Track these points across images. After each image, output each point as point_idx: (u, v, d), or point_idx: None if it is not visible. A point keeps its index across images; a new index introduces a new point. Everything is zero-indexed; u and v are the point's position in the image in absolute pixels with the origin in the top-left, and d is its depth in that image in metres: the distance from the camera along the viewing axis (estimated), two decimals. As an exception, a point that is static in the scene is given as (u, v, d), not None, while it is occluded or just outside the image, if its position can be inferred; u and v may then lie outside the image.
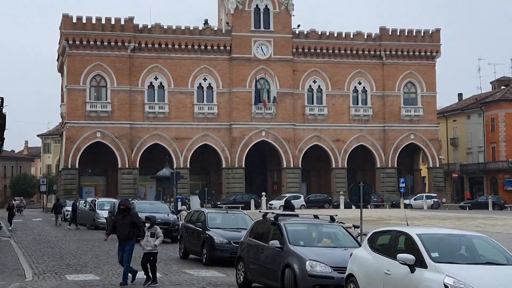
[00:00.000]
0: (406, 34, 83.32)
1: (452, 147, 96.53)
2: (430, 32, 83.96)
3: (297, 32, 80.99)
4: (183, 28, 78.37)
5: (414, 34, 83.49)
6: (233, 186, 77.78)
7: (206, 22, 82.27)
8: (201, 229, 24.10)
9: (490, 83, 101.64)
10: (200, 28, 79.22)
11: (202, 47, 78.23)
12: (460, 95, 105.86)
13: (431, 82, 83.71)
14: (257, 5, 79.89)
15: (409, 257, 12.03)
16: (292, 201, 70.35)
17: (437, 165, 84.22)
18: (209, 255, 23.08)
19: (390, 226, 16.76)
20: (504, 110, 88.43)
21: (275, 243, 16.31)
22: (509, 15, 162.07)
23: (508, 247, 14.89)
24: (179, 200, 52.70)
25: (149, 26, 77.53)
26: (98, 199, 50.48)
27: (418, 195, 78.33)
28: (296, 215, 20.24)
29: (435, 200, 76.34)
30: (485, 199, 77.84)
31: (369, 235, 14.49)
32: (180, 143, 77.12)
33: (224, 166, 78.50)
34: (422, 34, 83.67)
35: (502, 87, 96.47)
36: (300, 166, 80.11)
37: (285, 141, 79.23)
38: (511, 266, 11.88)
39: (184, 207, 48.27)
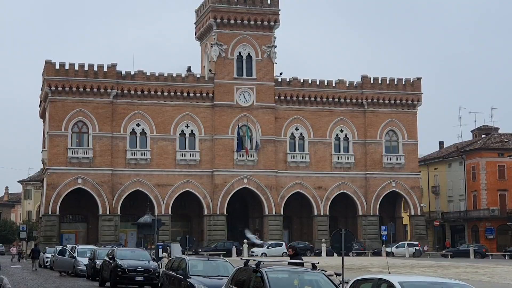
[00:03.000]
0: (388, 82, 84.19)
1: (433, 195, 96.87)
2: (411, 81, 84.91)
3: (279, 80, 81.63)
4: (166, 75, 78.77)
5: (396, 82, 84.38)
6: (214, 233, 77.37)
7: (189, 69, 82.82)
8: (182, 277, 23.87)
9: (471, 131, 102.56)
10: (183, 75, 79.66)
11: (185, 94, 78.55)
12: (441, 143, 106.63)
13: (413, 130, 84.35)
14: (239, 53, 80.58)
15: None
16: (274, 248, 71.07)
17: (419, 213, 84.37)
18: (189, 303, 22.81)
19: (372, 274, 16.73)
20: (485, 158, 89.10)
21: (257, 291, 16.16)
22: (488, 65, 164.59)
23: (489, 295, 14.88)
24: (160, 247, 52.26)
25: (131, 73, 77.83)
26: (78, 246, 50.02)
27: (400, 243, 78.25)
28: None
29: (417, 248, 76.28)
30: (467, 247, 77.87)
31: (351, 282, 14.45)
32: (161, 190, 76.84)
33: (206, 213, 78.17)
34: (404, 83, 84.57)
35: (483, 135, 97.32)
36: (282, 213, 79.94)
37: (267, 188, 79.18)
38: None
39: (165, 254, 47.88)
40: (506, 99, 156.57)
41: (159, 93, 77.83)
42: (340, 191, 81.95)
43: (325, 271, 20.13)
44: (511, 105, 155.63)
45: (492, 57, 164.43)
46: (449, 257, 73.92)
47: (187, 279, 23.33)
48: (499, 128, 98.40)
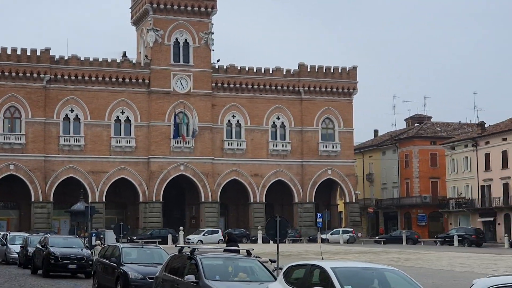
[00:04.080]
0: (324, 70, 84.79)
1: (368, 182, 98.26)
2: (347, 69, 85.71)
3: (216, 67, 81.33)
4: (100, 60, 77.56)
5: (332, 71, 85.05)
6: (150, 221, 76.82)
7: (124, 54, 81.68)
8: (115, 264, 23.53)
9: (405, 120, 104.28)
10: (118, 61, 78.57)
11: (120, 79, 77.55)
12: (376, 131, 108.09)
13: (348, 118, 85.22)
14: (176, 39, 79.92)
15: (323, 290, 12.03)
16: (210, 235, 71.04)
17: (354, 200, 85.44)
18: (123, 291, 22.52)
19: (305, 260, 16.79)
20: (418, 146, 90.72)
21: (191, 278, 16.03)
22: (422, 54, 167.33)
23: (419, 281, 15.09)
24: (93, 234, 51.64)
25: (65, 58, 76.40)
26: (10, 233, 48.91)
27: (335, 229, 79.17)
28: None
29: (351, 234, 77.30)
30: (399, 233, 79.24)
31: (284, 269, 14.46)
32: (95, 177, 75.83)
33: (141, 200, 77.53)
34: (340, 71, 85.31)
35: (416, 124, 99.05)
36: (218, 200, 79.88)
37: (204, 175, 78.97)
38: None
39: (98, 242, 47.32)
40: (439, 89, 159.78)
41: (93, 78, 76.65)
42: (277, 179, 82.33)
43: (260, 258, 20.14)
44: (443, 94, 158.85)
45: (425, 47, 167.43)
46: (382, 243, 75.13)
47: (121, 267, 23.02)
48: (431, 117, 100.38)
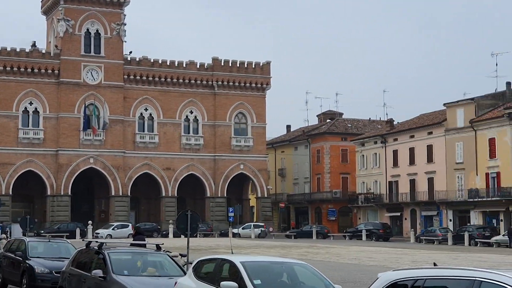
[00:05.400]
0: (238, 65, 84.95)
1: (280, 177, 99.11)
2: (261, 65, 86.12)
3: (129, 59, 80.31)
4: (9, 49, 75.36)
5: (246, 65, 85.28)
6: (58, 214, 75.22)
7: (34, 44, 79.61)
8: (21, 258, 23.02)
9: (317, 116, 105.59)
10: (27, 50, 76.50)
11: (29, 70, 75.54)
12: (288, 127, 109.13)
13: (261, 113, 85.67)
14: (87, 29, 78.44)
15: (232, 284, 11.99)
16: (119, 230, 70.13)
17: (265, 195, 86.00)
18: (29, 285, 22.07)
19: (215, 254, 16.74)
20: (329, 142, 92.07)
21: (98, 272, 15.76)
22: (334, 50, 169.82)
23: (328, 274, 15.25)
24: (-1, 228, 50.17)
25: (-29, 46, 73.89)
26: None
27: (246, 224, 79.49)
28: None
29: (263, 229, 77.76)
30: (310, 228, 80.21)
31: (194, 263, 14.38)
32: (2, 169, 73.70)
33: (49, 193, 75.82)
34: (253, 66, 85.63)
35: (328, 120, 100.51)
36: (129, 194, 78.98)
37: (114, 169, 77.88)
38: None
39: (3, 235, 45.99)
40: (350, 85, 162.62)
41: (1, 68, 74.38)
42: (189, 173, 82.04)
43: (170, 252, 20.02)
44: (355, 91, 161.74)
45: (338, 44, 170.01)
46: (293, 237, 75.90)
47: (26, 261, 22.54)
48: (343, 113, 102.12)
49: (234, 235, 72.81)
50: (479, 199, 67.37)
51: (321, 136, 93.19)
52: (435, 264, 8.34)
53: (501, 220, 65.64)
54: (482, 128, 68.02)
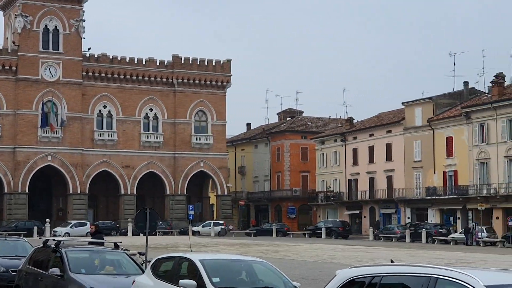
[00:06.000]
0: (198, 63, 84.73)
1: (240, 175, 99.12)
2: (221, 62, 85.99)
3: (87, 56, 79.58)
4: (-35, 45, 74.14)
5: (206, 63, 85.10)
6: (15, 212, 74.20)
7: (-10, 40, 78.43)
8: (-25, 258, 22.56)
9: (277, 114, 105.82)
10: (-16, 46, 75.35)
11: (-14, 66, 74.36)
12: (248, 125, 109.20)
13: (221, 111, 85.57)
14: (46, 26, 77.48)
15: (191, 282, 11.94)
16: (77, 228, 69.41)
17: (225, 193, 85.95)
18: (-16, 284, 21.65)
19: (174, 253, 16.65)
20: (289, 140, 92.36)
21: (55, 271, 15.60)
22: (294, 49, 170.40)
23: (287, 272, 15.28)
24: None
25: None
26: None
27: (206, 222, 79.33)
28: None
29: (222, 227, 77.69)
30: (270, 226, 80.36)
31: (152, 261, 14.30)
32: (-43, 167, 72.47)
33: (6, 191, 74.76)
34: (214, 64, 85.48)
35: (288, 118, 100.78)
36: (87, 192, 78.27)
37: (72, 166, 77.10)
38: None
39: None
40: (310, 84, 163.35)
41: (-44, 63, 73.16)
42: (148, 170, 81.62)
43: (128, 251, 19.88)
44: (315, 89, 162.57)
45: (297, 42, 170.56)
46: (253, 235, 75.96)
47: (-18, 260, 22.12)
48: (303, 112, 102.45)
49: (194, 233, 72.64)
50: (437, 197, 68.21)
51: (281, 134, 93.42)
52: (392, 261, 8.40)
53: (458, 218, 66.56)
54: (440, 127, 68.88)
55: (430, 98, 71.68)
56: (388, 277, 7.61)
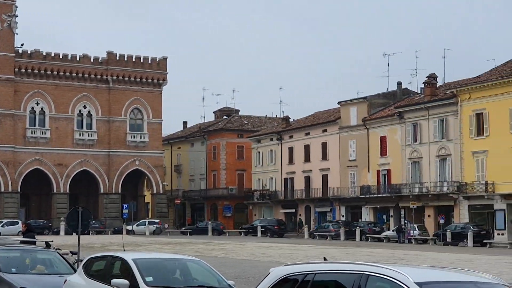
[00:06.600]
0: (134, 60, 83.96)
1: (176, 173, 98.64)
2: (157, 60, 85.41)
3: (20, 51, 78.00)
4: None
5: (142, 60, 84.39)
6: None
7: None
8: None
9: (214, 112, 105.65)
10: None
11: None
12: (185, 123, 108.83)
13: (157, 109, 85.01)
14: (-23, 20, 75.67)
15: (123, 282, 11.82)
16: (9, 227, 67.96)
17: (161, 191, 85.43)
18: None
19: (107, 252, 16.46)
20: (225, 139, 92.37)
21: (-15, 271, 15.26)
22: (231, 47, 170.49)
23: (222, 271, 15.25)
24: None
25: None
26: None
27: (141, 221, 78.65)
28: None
29: (158, 226, 77.12)
30: (205, 224, 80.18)
31: (84, 260, 14.11)
32: None
33: None
34: (150, 61, 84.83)
35: (224, 117, 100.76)
36: (19, 190, 76.74)
37: (4, 164, 75.49)
38: (223, 289, 12.17)
39: None
40: (247, 82, 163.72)
41: None
42: (82, 169, 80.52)
43: (60, 250, 19.65)
44: (251, 88, 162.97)
45: (233, 40, 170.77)
46: (188, 234, 75.66)
47: None
48: (240, 110, 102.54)
49: (128, 232, 72.00)
50: (371, 196, 69.20)
51: (218, 133, 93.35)
52: (325, 259, 8.47)
53: (391, 216, 67.66)
54: (374, 126, 69.89)
55: (364, 98, 72.66)
56: (321, 274, 7.66)
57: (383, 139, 68.79)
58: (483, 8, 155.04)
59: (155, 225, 76.99)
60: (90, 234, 66.32)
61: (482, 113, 58.24)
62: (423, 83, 68.36)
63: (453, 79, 69.61)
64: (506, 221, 56.32)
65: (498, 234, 56.42)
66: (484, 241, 53.75)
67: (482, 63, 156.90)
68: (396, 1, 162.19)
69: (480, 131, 58.52)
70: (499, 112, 56.42)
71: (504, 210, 56.48)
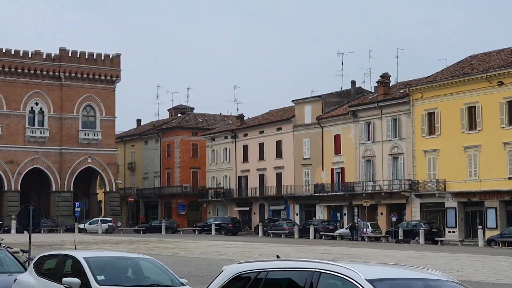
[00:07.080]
0: (87, 57, 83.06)
1: (129, 171, 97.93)
2: (111, 57, 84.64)
3: (-30, 47, 76.55)
4: None
5: (95, 57, 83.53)
6: None
7: None
8: None
9: (168, 110, 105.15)
10: None
11: None
12: (139, 120, 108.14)
13: (111, 106, 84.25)
14: None
15: (75, 280, 11.71)
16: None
17: (114, 189, 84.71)
18: None
19: (58, 250, 16.26)
20: (180, 137, 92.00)
21: None
22: (186, 45, 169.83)
23: (175, 269, 15.18)
24: None
25: None
26: None
27: (93, 219, 77.89)
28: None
29: (110, 224, 76.46)
30: (159, 222, 79.77)
31: (35, 259, 13.94)
32: None
33: None
34: (103, 58, 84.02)
35: (179, 114, 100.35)
36: (-31, 188, 75.34)
37: (-47, 162, 74.03)
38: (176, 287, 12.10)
39: None
40: (201, 80, 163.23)
41: None
42: (33, 166, 79.40)
43: (11, 248, 19.37)
44: (206, 86, 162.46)
45: (187, 38, 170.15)
46: (142, 232, 75.20)
47: None
48: (194, 108, 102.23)
49: (81, 230, 71.30)
50: (325, 194, 69.63)
51: (172, 131, 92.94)
52: (278, 257, 8.47)
53: (345, 214, 68.21)
54: (328, 125, 70.34)
55: (319, 96, 73.07)
56: (274, 272, 7.66)
57: (337, 138, 69.26)
58: (435, 9, 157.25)
59: (107, 224, 76.32)
60: (42, 232, 65.49)
61: (434, 112, 59.10)
62: (376, 82, 69.06)
63: (406, 78, 70.69)
64: (457, 219, 57.26)
65: (449, 232, 57.35)
66: (436, 238, 54.50)
67: (435, 63, 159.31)
68: (350, 1, 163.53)
69: (432, 130, 59.36)
70: (451, 111, 57.30)
71: (455, 208, 57.42)
